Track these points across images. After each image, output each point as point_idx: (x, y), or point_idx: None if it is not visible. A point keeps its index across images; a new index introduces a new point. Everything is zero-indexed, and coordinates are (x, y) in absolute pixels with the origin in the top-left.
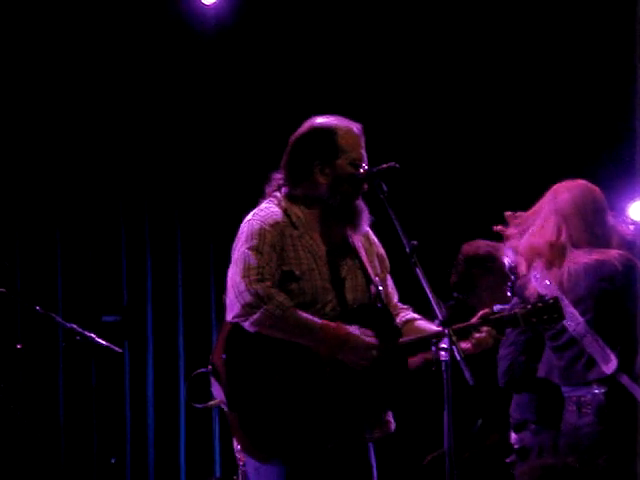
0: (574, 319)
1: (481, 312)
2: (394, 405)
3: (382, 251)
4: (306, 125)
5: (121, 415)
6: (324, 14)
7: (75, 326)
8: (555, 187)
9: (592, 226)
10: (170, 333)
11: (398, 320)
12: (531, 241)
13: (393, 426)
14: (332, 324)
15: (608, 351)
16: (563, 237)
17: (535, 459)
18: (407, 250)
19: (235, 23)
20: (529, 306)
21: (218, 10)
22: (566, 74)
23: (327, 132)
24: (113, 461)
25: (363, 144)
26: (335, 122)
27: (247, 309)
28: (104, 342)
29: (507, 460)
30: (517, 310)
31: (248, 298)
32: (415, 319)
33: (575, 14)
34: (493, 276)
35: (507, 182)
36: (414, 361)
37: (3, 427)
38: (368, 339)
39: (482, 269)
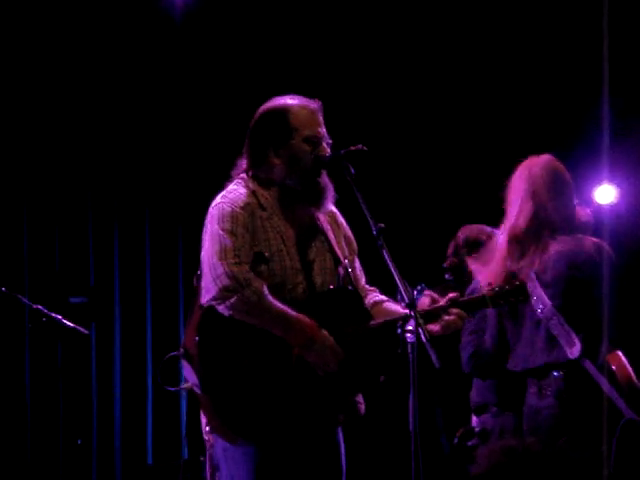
0: (542, 301)
1: (450, 295)
2: (363, 389)
3: (349, 233)
4: (261, 108)
5: (87, 397)
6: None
7: (41, 307)
8: (526, 167)
9: (564, 208)
10: (138, 315)
11: (366, 302)
12: (510, 229)
13: (363, 408)
14: (306, 320)
15: (573, 335)
16: (538, 222)
17: (495, 441)
18: (374, 232)
19: (201, 7)
20: (497, 288)
21: None
22: (537, 59)
23: (278, 113)
24: (79, 442)
25: (320, 120)
26: (286, 101)
27: (224, 292)
28: (71, 324)
29: (469, 443)
30: (485, 292)
31: (226, 281)
32: (383, 301)
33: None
34: (482, 261)
35: (474, 163)
36: None
37: None
38: (336, 346)
39: (472, 254)
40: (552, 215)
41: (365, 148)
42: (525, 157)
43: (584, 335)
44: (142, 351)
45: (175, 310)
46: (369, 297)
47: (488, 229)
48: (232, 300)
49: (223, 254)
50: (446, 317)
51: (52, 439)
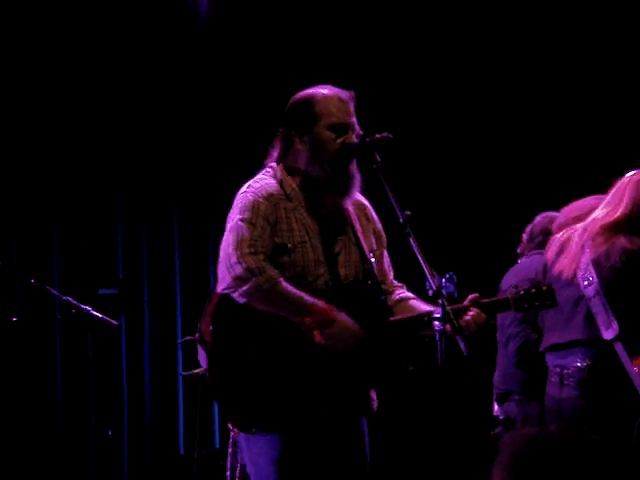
0: (590, 276)
1: (471, 295)
2: (378, 383)
3: (380, 227)
4: (292, 97)
5: (118, 388)
6: None
7: (71, 299)
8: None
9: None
10: (167, 306)
11: (392, 298)
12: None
13: (376, 405)
14: (322, 304)
15: (612, 317)
16: (624, 221)
17: (517, 430)
18: (400, 221)
19: (229, 9)
20: (522, 291)
21: None
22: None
23: (304, 101)
24: (110, 433)
25: (349, 110)
26: (314, 90)
27: (237, 281)
28: (100, 315)
29: (492, 432)
30: (509, 295)
31: (239, 270)
32: (409, 298)
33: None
34: None
35: (502, 155)
36: None
37: (0, 400)
38: (355, 327)
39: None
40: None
41: (391, 136)
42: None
43: (623, 320)
44: (172, 342)
45: (205, 300)
46: (395, 293)
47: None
48: (245, 288)
49: (239, 244)
50: (465, 317)
51: (83, 430)
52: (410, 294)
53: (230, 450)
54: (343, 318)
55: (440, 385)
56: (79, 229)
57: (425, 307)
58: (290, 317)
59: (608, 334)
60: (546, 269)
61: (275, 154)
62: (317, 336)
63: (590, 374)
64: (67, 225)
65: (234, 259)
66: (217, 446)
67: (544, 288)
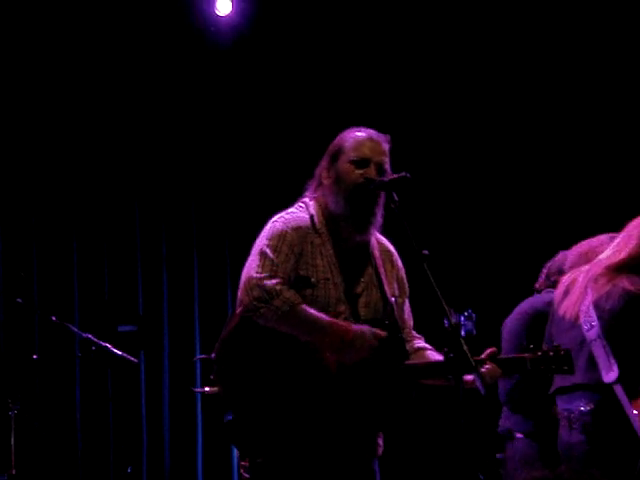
0: (591, 321)
1: (489, 350)
2: (389, 426)
3: (403, 275)
4: None
5: (137, 425)
6: (339, 22)
7: (91, 336)
8: None
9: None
10: (186, 343)
11: (409, 347)
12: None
13: (381, 450)
14: (340, 322)
15: (612, 360)
16: (628, 261)
17: (527, 472)
18: (418, 259)
19: (250, 33)
20: (539, 353)
21: (233, 21)
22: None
23: (338, 138)
24: (129, 470)
25: (379, 149)
26: (349, 131)
27: (255, 303)
28: (120, 352)
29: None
30: (526, 354)
31: (257, 293)
32: (426, 349)
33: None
34: None
35: (519, 195)
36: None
37: (21, 437)
38: (376, 336)
39: None
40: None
41: (409, 175)
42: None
43: (623, 363)
44: (191, 379)
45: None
46: (413, 342)
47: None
48: (263, 310)
49: (259, 268)
50: (481, 370)
51: (103, 467)
52: (428, 345)
53: None
54: (361, 331)
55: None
56: (99, 266)
57: (441, 359)
58: (308, 339)
59: (608, 377)
60: (553, 311)
61: (310, 190)
62: (331, 359)
63: (594, 419)
64: (87, 262)
65: (253, 282)
66: None
67: (562, 353)
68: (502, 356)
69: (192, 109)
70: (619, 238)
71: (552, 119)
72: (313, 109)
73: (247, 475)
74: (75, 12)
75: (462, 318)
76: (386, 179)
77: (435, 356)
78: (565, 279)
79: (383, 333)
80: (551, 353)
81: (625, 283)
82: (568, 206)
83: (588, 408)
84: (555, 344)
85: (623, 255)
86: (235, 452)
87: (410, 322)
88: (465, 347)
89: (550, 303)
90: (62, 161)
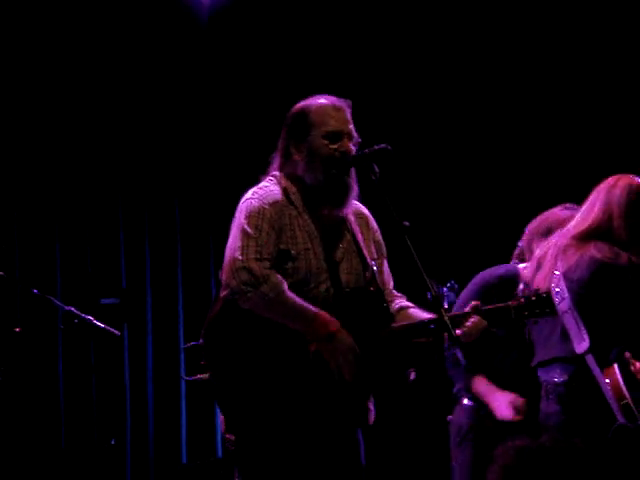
0: (562, 294)
1: (472, 303)
2: (380, 391)
3: (380, 237)
4: (290, 110)
5: (121, 397)
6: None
7: (73, 309)
8: (612, 181)
9: (632, 227)
10: (169, 316)
11: (392, 307)
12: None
13: (372, 417)
14: (326, 315)
15: (583, 331)
16: (595, 228)
17: (508, 441)
18: (399, 231)
19: (229, 12)
20: (522, 299)
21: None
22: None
23: (300, 111)
24: (113, 442)
25: (346, 118)
26: (310, 101)
27: (242, 287)
28: (103, 325)
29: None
30: (510, 302)
31: (244, 276)
32: (409, 307)
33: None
34: None
35: (500, 163)
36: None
37: (3, 410)
38: (354, 348)
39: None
40: (614, 229)
41: (389, 147)
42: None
43: (594, 333)
44: (174, 350)
45: (207, 309)
46: (395, 302)
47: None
48: (250, 295)
49: (244, 249)
50: (466, 324)
51: (86, 439)
52: (410, 303)
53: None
54: (343, 335)
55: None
56: (81, 239)
57: (426, 315)
58: (291, 326)
59: (580, 348)
60: (526, 286)
61: (275, 165)
62: (313, 348)
63: (567, 389)
64: (69, 235)
65: (239, 264)
66: (219, 455)
67: (543, 295)
68: (485, 307)
69: (174, 89)
70: (583, 207)
71: (530, 89)
72: (295, 88)
73: (232, 448)
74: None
75: (444, 289)
76: (367, 151)
77: (418, 313)
78: (537, 253)
79: (357, 352)
80: (533, 298)
81: (592, 251)
82: (553, 173)
83: (562, 379)
84: (540, 292)
85: (588, 223)
86: (219, 424)
87: (390, 282)
88: (447, 318)
89: (502, 276)
90: (44, 134)
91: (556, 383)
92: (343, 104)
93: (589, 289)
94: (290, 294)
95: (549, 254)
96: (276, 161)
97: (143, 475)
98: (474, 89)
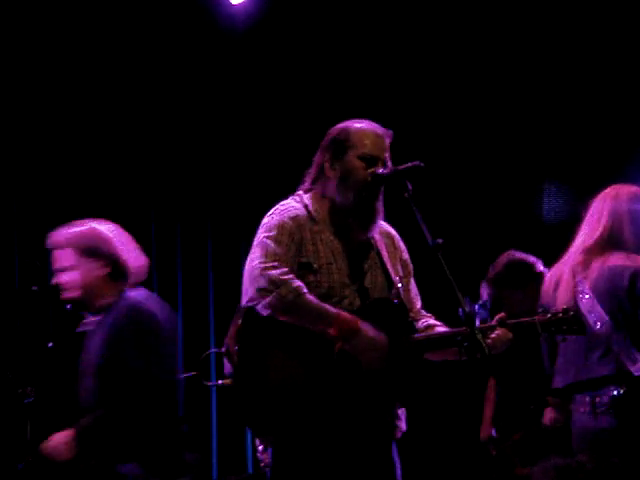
0: (599, 316)
1: (498, 315)
2: (404, 400)
3: (407, 256)
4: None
5: None
6: (352, 14)
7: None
8: (613, 191)
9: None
10: (201, 337)
11: (419, 325)
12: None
13: (400, 433)
14: (346, 314)
15: (634, 351)
16: (607, 237)
17: (547, 461)
18: (432, 248)
19: (263, 22)
20: (549, 315)
21: (246, 9)
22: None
23: (340, 131)
24: None
25: (383, 146)
26: (352, 122)
27: (261, 292)
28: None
29: None
30: (537, 317)
31: (262, 282)
32: (436, 325)
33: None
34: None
35: (524, 181)
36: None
37: (37, 425)
38: (379, 337)
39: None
40: (626, 236)
41: (422, 164)
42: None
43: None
44: (206, 366)
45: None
46: (422, 320)
47: (532, 260)
48: (268, 299)
49: (263, 258)
50: (492, 335)
51: None
52: (438, 322)
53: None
54: (367, 328)
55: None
56: None
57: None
58: (313, 328)
59: (636, 370)
60: (544, 308)
61: (308, 180)
62: (338, 347)
63: (628, 400)
64: None
65: (257, 272)
66: (250, 471)
67: (571, 313)
68: (512, 321)
69: (206, 100)
70: (585, 223)
71: (558, 111)
72: (327, 100)
73: (266, 467)
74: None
75: (477, 307)
76: (400, 168)
77: (445, 330)
78: (550, 275)
79: (386, 343)
80: (560, 315)
81: (616, 260)
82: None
83: (619, 394)
84: (568, 310)
85: (599, 233)
86: (250, 439)
87: (418, 302)
88: (479, 336)
89: None
90: (81, 151)
91: (614, 397)
92: (384, 132)
93: (632, 298)
94: (310, 296)
95: (565, 272)
96: (309, 176)
97: None
98: (504, 105)
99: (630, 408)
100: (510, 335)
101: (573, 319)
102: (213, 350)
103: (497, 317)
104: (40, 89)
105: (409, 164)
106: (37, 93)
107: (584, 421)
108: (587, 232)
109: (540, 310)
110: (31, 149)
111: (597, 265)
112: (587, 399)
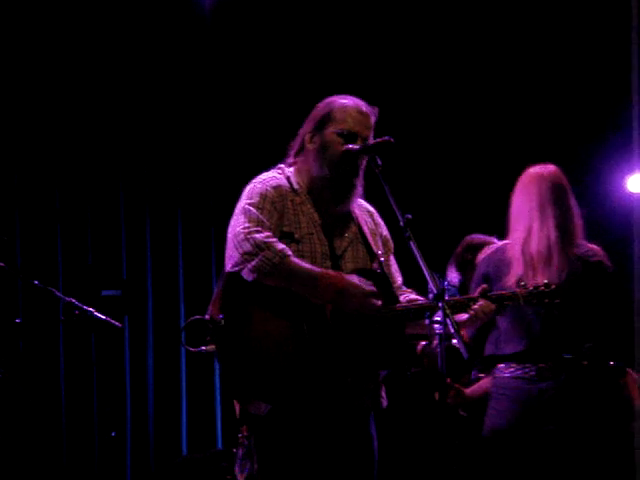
0: None
1: (480, 287)
2: (389, 366)
3: (386, 232)
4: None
5: (121, 389)
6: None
7: (74, 300)
8: (531, 178)
9: (573, 217)
10: (170, 307)
11: (401, 299)
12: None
13: (385, 402)
14: (331, 272)
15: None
16: (553, 236)
17: None
18: (401, 224)
19: (234, 5)
20: (531, 287)
21: None
22: (567, 48)
23: (324, 106)
24: (113, 435)
25: (367, 123)
26: (337, 98)
27: (245, 256)
28: (103, 316)
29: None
30: (517, 290)
31: (247, 247)
32: (418, 299)
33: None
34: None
35: (501, 156)
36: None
37: (4, 401)
38: (368, 287)
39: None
40: (569, 225)
41: (392, 140)
42: (555, 149)
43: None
44: (175, 343)
45: (208, 302)
46: (403, 295)
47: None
48: (254, 262)
49: (247, 224)
50: (474, 306)
51: (86, 431)
52: (419, 297)
53: (240, 452)
54: (353, 280)
55: (438, 389)
56: (83, 230)
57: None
58: (300, 291)
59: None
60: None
61: (291, 153)
62: (330, 308)
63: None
64: (71, 226)
65: (242, 237)
66: (220, 447)
67: (553, 287)
68: (493, 292)
69: (177, 81)
70: (527, 209)
71: (534, 79)
72: (300, 83)
73: (246, 442)
74: None
75: (446, 283)
76: (370, 143)
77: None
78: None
79: (374, 289)
80: (542, 287)
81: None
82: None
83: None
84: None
85: (551, 225)
86: (219, 415)
87: (399, 278)
88: (448, 311)
89: None
90: (45, 122)
91: (565, 359)
92: (369, 110)
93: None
94: (295, 259)
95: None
96: (293, 149)
97: (143, 467)
98: (478, 82)
99: (573, 375)
100: (493, 306)
101: (554, 292)
102: (192, 318)
103: (479, 288)
104: (12, 66)
105: (379, 139)
106: (9, 69)
107: (520, 383)
108: (522, 231)
109: (522, 283)
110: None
111: (561, 256)
112: (530, 364)
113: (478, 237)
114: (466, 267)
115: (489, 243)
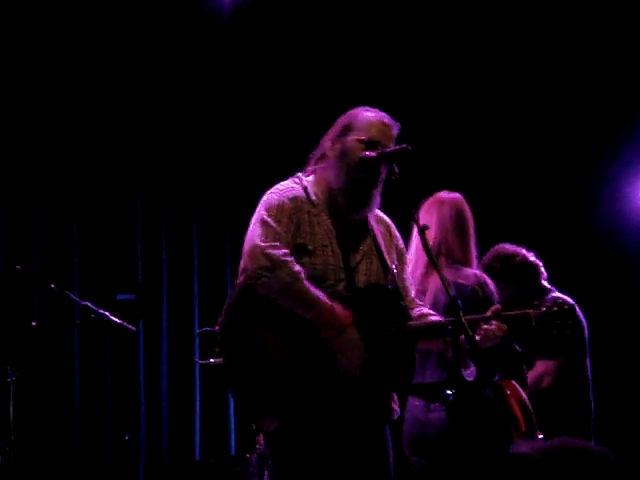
0: None
1: (493, 307)
2: (397, 387)
3: (402, 245)
4: None
5: (135, 392)
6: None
7: (90, 304)
8: (437, 200)
9: (467, 245)
10: (185, 312)
11: (413, 313)
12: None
13: (397, 413)
14: (340, 310)
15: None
16: (437, 248)
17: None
18: (418, 232)
19: (251, 7)
20: (543, 308)
21: None
22: (584, 55)
23: (347, 115)
24: (127, 438)
25: (388, 134)
26: (361, 109)
27: (259, 272)
28: (118, 320)
29: None
30: (530, 310)
31: (262, 261)
32: (429, 314)
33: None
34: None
35: (518, 165)
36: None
37: (20, 404)
38: (360, 347)
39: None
40: (452, 248)
41: (410, 148)
42: (571, 157)
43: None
44: (189, 347)
45: (222, 307)
46: (416, 309)
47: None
48: (265, 279)
49: (264, 237)
50: (485, 327)
51: (100, 434)
52: (431, 311)
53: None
54: (352, 331)
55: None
56: (99, 235)
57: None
58: (304, 315)
59: (468, 376)
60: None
61: (311, 162)
62: (322, 336)
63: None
64: (87, 231)
65: (258, 250)
66: (233, 452)
67: (565, 307)
68: (506, 313)
69: (198, 82)
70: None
71: (553, 96)
72: (312, 89)
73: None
74: None
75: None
76: (387, 150)
77: (438, 319)
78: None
79: (362, 357)
80: (555, 308)
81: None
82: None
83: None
84: (562, 304)
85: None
86: (233, 421)
87: (412, 290)
88: (463, 319)
89: None
90: (63, 129)
91: (447, 394)
92: (392, 123)
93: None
94: (306, 283)
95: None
96: (313, 158)
97: (156, 471)
98: (495, 94)
99: (460, 408)
100: (504, 327)
101: (567, 313)
102: (203, 329)
103: (492, 309)
104: (21, 62)
105: (396, 147)
106: (17, 66)
107: (417, 413)
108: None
109: (536, 303)
110: (13, 126)
111: (434, 279)
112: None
113: (507, 247)
114: (494, 277)
115: (518, 253)
